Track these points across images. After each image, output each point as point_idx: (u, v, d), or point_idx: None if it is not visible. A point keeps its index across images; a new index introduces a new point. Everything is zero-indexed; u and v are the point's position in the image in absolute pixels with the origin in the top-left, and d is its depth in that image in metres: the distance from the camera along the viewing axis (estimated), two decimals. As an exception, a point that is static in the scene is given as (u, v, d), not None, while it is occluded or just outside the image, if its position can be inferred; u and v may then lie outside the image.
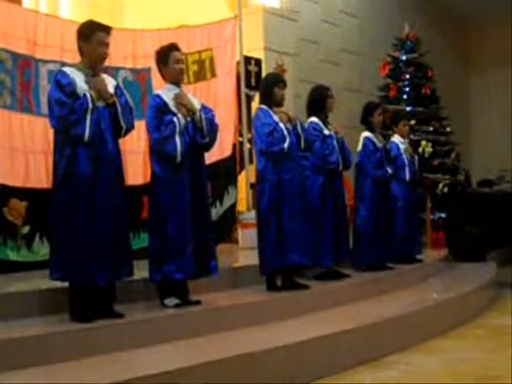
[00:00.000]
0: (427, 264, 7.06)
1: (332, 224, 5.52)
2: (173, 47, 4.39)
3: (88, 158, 3.77)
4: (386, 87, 9.81)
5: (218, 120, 4.51)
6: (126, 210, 3.99)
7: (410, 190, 6.94)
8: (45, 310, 3.92)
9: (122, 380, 3.07)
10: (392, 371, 4.08)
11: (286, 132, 4.89)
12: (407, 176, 6.83)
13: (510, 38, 13.69)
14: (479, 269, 7.57)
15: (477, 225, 8.29)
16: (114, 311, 3.86)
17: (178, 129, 4.19)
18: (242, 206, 7.31)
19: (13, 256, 5.08)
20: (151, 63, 5.62)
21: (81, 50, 3.97)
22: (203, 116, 4.32)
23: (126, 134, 4.05)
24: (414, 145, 8.46)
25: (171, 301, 4.19)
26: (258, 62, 8.59)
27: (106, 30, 3.97)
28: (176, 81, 4.39)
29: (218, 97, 6.77)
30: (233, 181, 6.93)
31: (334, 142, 5.54)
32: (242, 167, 7.27)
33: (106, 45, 3.95)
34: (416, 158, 7.17)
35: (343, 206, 5.73)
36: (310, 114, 5.64)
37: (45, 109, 4.73)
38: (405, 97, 9.59)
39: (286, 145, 4.87)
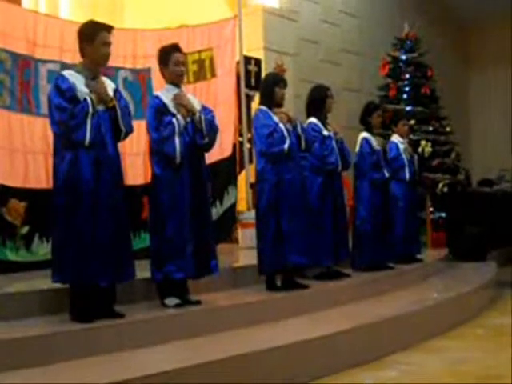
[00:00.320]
0: (427, 264, 7.05)
1: (331, 224, 5.52)
2: (174, 48, 4.38)
3: (89, 162, 3.78)
4: (385, 87, 9.82)
5: (217, 120, 4.51)
6: (127, 211, 3.99)
7: (410, 190, 6.95)
8: (45, 310, 3.91)
9: (122, 380, 3.07)
10: (392, 371, 4.08)
11: (286, 133, 4.88)
12: (407, 176, 6.83)
13: (509, 39, 13.69)
14: (479, 268, 7.57)
15: (477, 224, 8.28)
16: (115, 311, 3.86)
17: (177, 129, 4.19)
18: (241, 206, 7.32)
19: (12, 256, 5.08)
20: (151, 63, 5.65)
21: (82, 51, 3.94)
22: (203, 117, 4.31)
23: (125, 137, 4.06)
24: (414, 144, 8.46)
25: (171, 300, 4.19)
26: (257, 62, 8.58)
27: (109, 29, 3.96)
28: (175, 82, 4.39)
29: (217, 97, 6.76)
30: (233, 181, 6.93)
31: (333, 142, 5.54)
32: (242, 167, 7.27)
33: (109, 44, 3.95)
34: (416, 157, 7.17)
35: (342, 206, 5.73)
36: (309, 114, 5.64)
37: (44, 109, 4.75)
38: (404, 96, 9.60)
39: (286, 146, 4.86)
